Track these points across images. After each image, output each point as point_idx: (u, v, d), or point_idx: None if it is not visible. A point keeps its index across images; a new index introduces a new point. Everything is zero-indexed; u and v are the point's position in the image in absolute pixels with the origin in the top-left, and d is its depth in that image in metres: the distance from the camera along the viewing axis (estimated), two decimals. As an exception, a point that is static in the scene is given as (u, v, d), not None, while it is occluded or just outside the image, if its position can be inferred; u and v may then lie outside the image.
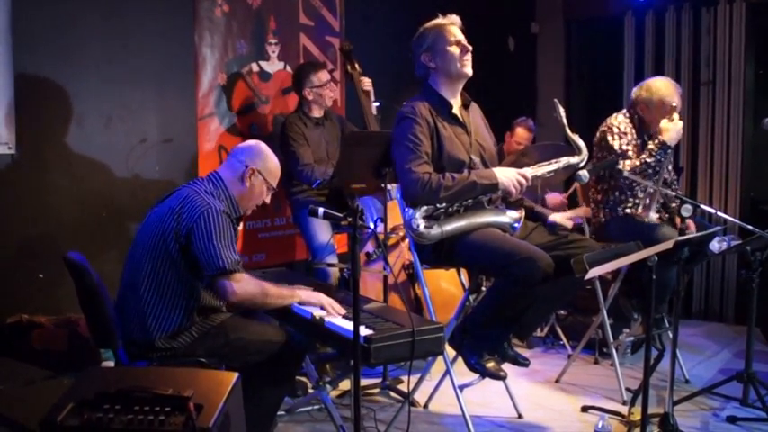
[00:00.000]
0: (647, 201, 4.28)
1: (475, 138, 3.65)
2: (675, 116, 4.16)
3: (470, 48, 3.56)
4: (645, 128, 4.35)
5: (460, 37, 3.57)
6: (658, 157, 4.12)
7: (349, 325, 2.99)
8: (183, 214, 3.00)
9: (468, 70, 3.57)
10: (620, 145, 4.28)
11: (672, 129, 4.13)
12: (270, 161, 3.28)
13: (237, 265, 3.01)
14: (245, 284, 3.03)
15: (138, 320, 3.03)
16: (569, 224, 3.61)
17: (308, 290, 3.30)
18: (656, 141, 4.14)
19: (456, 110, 3.63)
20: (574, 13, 7.15)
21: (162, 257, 3.02)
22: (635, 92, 4.40)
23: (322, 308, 3.18)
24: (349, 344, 2.85)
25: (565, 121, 3.59)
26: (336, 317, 3.13)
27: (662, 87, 4.31)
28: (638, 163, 4.14)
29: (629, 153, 4.25)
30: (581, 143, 3.63)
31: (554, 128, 3.80)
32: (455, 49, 3.53)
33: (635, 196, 4.32)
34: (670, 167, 4.52)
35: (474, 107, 3.77)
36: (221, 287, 2.99)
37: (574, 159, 3.63)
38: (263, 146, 3.32)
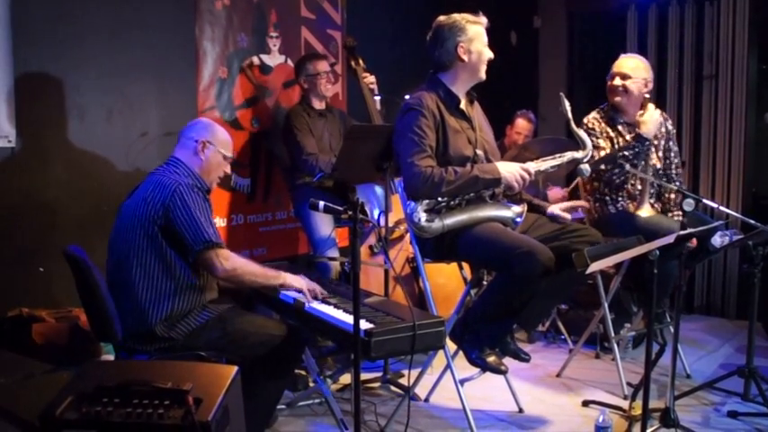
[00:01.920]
0: (637, 194, 4.29)
1: (480, 133, 3.65)
2: (651, 107, 4.22)
3: (492, 56, 3.60)
4: (614, 108, 4.41)
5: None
6: (635, 149, 4.17)
7: (331, 310, 3.05)
8: (155, 197, 3.04)
9: (485, 76, 3.62)
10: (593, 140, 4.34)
11: (649, 121, 4.21)
12: (218, 131, 3.32)
13: (220, 239, 3.05)
14: (232, 260, 3.07)
15: (134, 313, 3.04)
16: (568, 216, 3.60)
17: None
18: (633, 134, 4.23)
19: (463, 105, 3.63)
20: (576, 7, 7.13)
21: (143, 246, 3.04)
22: None
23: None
24: (344, 335, 2.87)
25: (570, 115, 3.59)
26: (313, 301, 3.16)
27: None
28: (608, 151, 4.22)
29: (602, 144, 4.30)
30: (585, 138, 3.64)
31: (556, 122, 3.81)
32: (487, 53, 3.57)
33: (623, 189, 4.33)
34: (677, 160, 4.51)
35: (476, 105, 3.76)
36: (209, 262, 3.03)
37: (578, 154, 3.63)
38: (207, 119, 3.42)
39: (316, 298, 3.22)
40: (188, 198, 3.03)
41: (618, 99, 4.37)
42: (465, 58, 3.53)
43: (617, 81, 4.37)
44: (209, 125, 3.34)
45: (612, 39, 6.79)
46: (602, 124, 4.38)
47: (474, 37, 3.54)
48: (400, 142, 3.52)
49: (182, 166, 3.22)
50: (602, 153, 4.26)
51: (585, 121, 4.43)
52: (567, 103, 3.59)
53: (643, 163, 4.22)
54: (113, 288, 3.07)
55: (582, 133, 3.63)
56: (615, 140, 4.32)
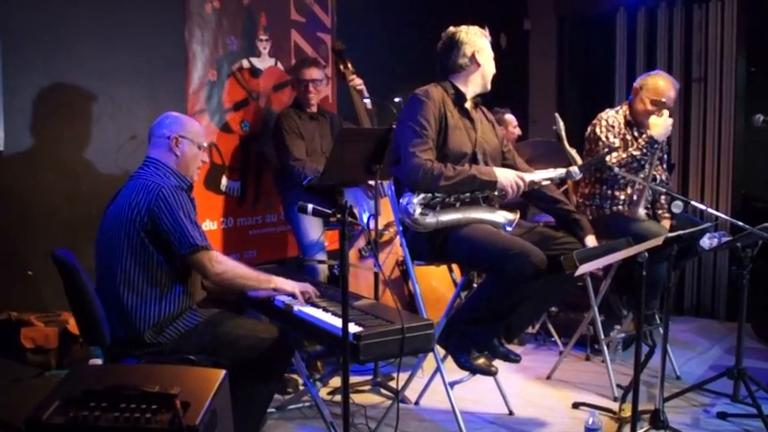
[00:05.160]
0: (635, 197, 4.31)
1: (481, 135, 3.67)
2: (665, 112, 4.22)
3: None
4: (637, 121, 4.38)
5: None
6: (645, 151, 4.18)
7: (320, 313, 3.04)
8: (140, 202, 3.02)
9: (490, 87, 3.76)
10: (607, 137, 4.36)
11: (660, 124, 4.19)
12: (188, 123, 3.31)
13: (207, 242, 3.04)
14: (224, 263, 3.06)
15: (122, 320, 3.03)
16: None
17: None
18: (645, 136, 4.22)
19: (468, 105, 3.69)
20: (566, 9, 7.15)
21: (127, 251, 3.03)
22: (637, 81, 4.48)
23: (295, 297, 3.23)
24: (332, 338, 2.87)
25: (563, 133, 3.62)
26: (305, 305, 3.16)
27: (659, 81, 4.38)
28: (624, 155, 4.20)
29: (616, 145, 4.33)
30: (577, 157, 3.69)
31: (546, 124, 3.82)
32: (493, 67, 3.74)
33: (623, 191, 4.36)
34: (665, 166, 4.55)
35: (481, 109, 3.82)
36: (199, 265, 3.02)
37: (566, 172, 3.66)
38: (173, 113, 3.36)
39: (309, 300, 3.21)
40: (173, 201, 3.02)
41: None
42: (481, 62, 3.66)
43: (667, 114, 4.26)
44: (177, 119, 3.31)
45: (602, 41, 6.83)
46: (622, 125, 4.41)
47: (485, 47, 3.70)
48: (403, 131, 3.56)
49: (161, 165, 3.20)
50: (614, 155, 4.26)
51: (605, 116, 4.44)
52: (561, 123, 3.62)
53: (648, 167, 4.23)
54: (101, 293, 3.06)
55: (574, 153, 3.68)
56: (630, 143, 4.33)
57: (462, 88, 3.68)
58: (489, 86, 3.74)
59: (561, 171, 3.65)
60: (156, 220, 3.00)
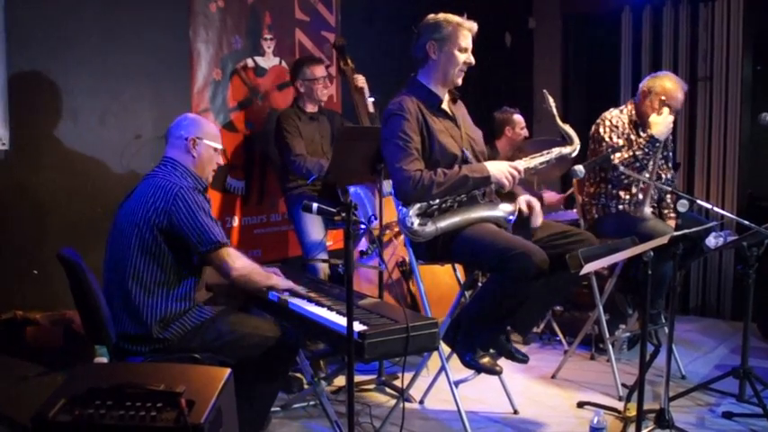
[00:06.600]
0: (641, 196, 4.30)
1: (465, 131, 3.64)
2: (665, 110, 4.22)
3: (473, 62, 3.55)
4: (643, 122, 4.38)
5: (470, 47, 3.54)
6: (646, 150, 4.19)
7: (324, 312, 3.05)
8: (156, 202, 3.04)
9: (459, 82, 3.57)
10: (611, 137, 4.37)
11: (661, 123, 4.20)
12: (205, 125, 3.35)
13: (226, 239, 3.08)
14: (241, 259, 3.11)
15: (129, 314, 3.04)
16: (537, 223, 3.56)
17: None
18: (645, 135, 4.23)
19: (445, 104, 3.62)
20: (571, 8, 7.13)
21: (139, 249, 3.04)
22: (644, 82, 4.47)
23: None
24: (337, 336, 2.88)
25: (555, 111, 3.60)
26: (296, 298, 3.18)
27: (667, 83, 4.36)
28: (627, 155, 4.19)
29: (620, 145, 4.31)
30: (572, 133, 3.63)
31: (551, 123, 3.79)
32: (460, 56, 3.50)
33: (628, 191, 4.35)
34: (670, 164, 4.54)
35: (460, 103, 3.75)
36: (220, 261, 3.05)
37: (566, 150, 3.63)
38: (192, 114, 3.43)
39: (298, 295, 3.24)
40: (190, 200, 3.04)
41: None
42: (433, 56, 3.51)
43: (667, 112, 4.27)
44: (195, 120, 3.35)
45: (607, 40, 6.81)
46: (626, 125, 4.40)
47: (447, 38, 3.48)
48: (387, 149, 3.51)
49: (179, 165, 3.22)
50: (617, 155, 4.25)
51: (609, 117, 4.43)
52: (551, 100, 3.60)
53: (651, 165, 4.23)
54: (110, 288, 3.07)
55: (568, 129, 3.63)
56: (634, 143, 4.32)
57: (432, 87, 3.56)
58: (456, 80, 3.55)
59: (555, 151, 3.61)
60: (173, 220, 3.01)
